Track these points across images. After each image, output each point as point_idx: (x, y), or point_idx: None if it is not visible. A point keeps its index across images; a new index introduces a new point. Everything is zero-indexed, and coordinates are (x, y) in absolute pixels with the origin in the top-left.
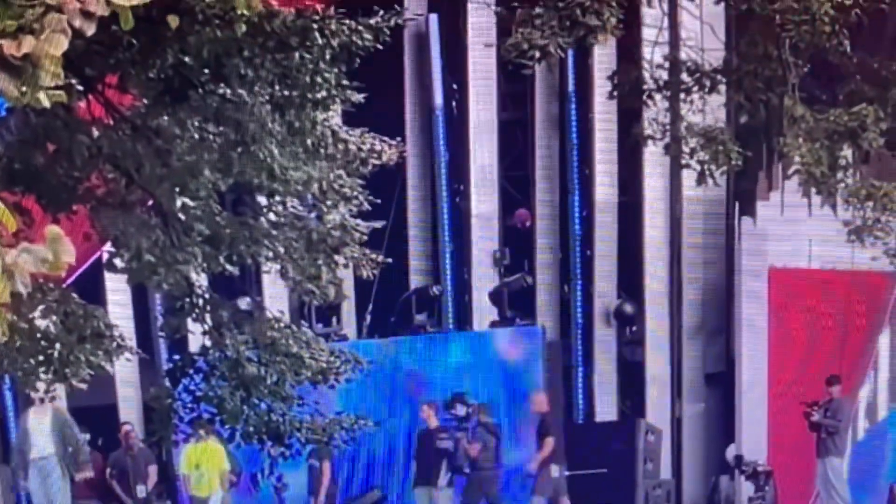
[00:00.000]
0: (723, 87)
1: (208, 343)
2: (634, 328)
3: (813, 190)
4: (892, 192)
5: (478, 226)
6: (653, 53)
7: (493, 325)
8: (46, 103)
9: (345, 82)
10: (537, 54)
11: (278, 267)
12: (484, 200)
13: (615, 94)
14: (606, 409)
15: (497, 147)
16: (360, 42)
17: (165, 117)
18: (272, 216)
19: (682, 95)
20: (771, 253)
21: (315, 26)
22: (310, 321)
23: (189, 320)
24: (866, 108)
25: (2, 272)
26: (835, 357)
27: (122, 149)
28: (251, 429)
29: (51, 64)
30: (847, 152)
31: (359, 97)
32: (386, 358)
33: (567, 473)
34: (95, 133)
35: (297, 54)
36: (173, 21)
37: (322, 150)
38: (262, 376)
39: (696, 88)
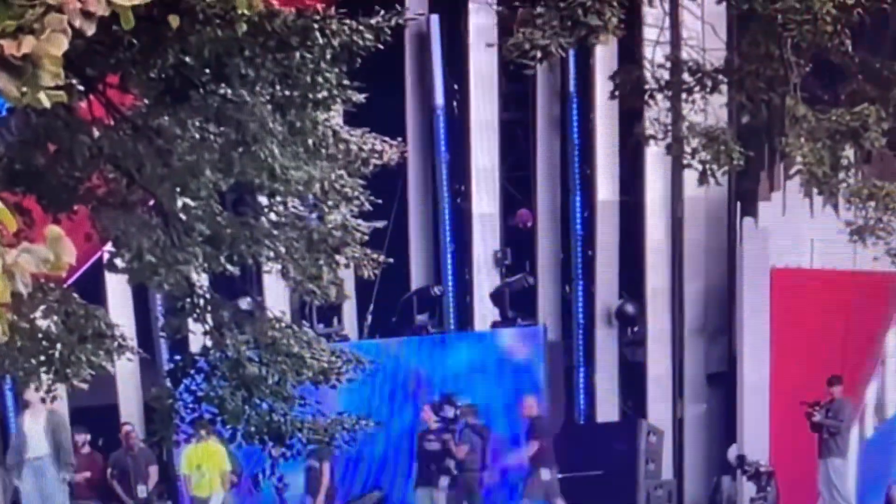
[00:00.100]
0: (724, 87)
1: (209, 343)
2: (636, 328)
3: (815, 190)
4: (894, 192)
5: (479, 226)
6: (654, 53)
7: (495, 325)
8: (47, 103)
9: (346, 82)
10: (539, 54)
11: (279, 267)
12: (485, 201)
13: (616, 94)
14: (608, 409)
15: (498, 147)
16: (361, 42)
17: (166, 117)
18: (273, 216)
19: (684, 95)
20: (772, 253)
21: (316, 26)
22: (311, 321)
23: (190, 320)
24: (868, 108)
25: (2, 272)
26: (836, 357)
27: (123, 149)
28: (252, 429)
29: (51, 64)
30: (849, 152)
31: (360, 97)
32: (387, 358)
33: (567, 475)
34: (96, 133)
35: (297, 54)
36: (174, 21)
37: (323, 150)
38: (264, 376)
39: (697, 88)
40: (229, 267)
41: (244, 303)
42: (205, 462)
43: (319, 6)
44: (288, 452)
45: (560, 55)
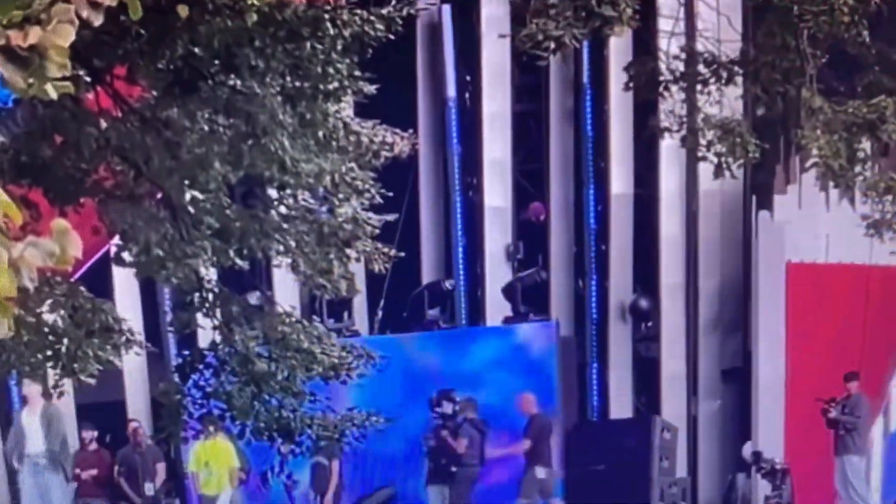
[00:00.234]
0: (740, 79)
1: (218, 338)
2: (650, 324)
3: (831, 183)
4: None
5: (491, 219)
6: (669, 44)
7: (507, 320)
8: (54, 95)
9: (357, 73)
10: (552, 45)
11: (289, 261)
12: (497, 194)
13: (631, 85)
14: (621, 405)
15: (511, 139)
16: (372, 32)
17: (175, 109)
18: (283, 209)
19: (699, 87)
20: (788, 247)
21: (327, 16)
22: (321, 316)
23: (199, 315)
24: (885, 100)
25: (8, 266)
26: (853, 353)
27: (131, 141)
28: (261, 425)
29: (58, 55)
30: (866, 145)
31: (371, 88)
32: (398, 353)
33: (580, 472)
34: (103, 125)
35: (308, 45)
36: (183, 11)
37: (334, 143)
38: (273, 372)
39: (712, 80)
40: (238, 261)
41: (253, 297)
42: (213, 459)
43: None
44: (297, 449)
45: (574, 46)
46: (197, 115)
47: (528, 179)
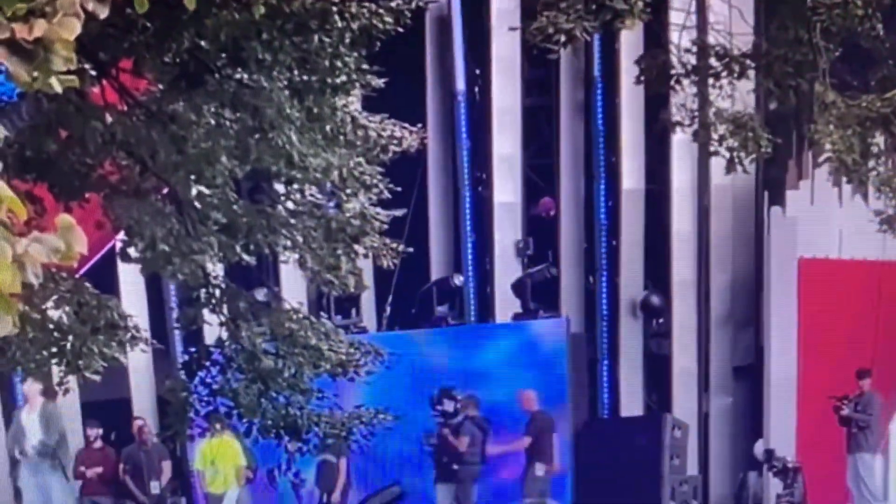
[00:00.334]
0: (752, 73)
1: (225, 335)
2: (661, 320)
3: (844, 178)
4: None
5: (500, 215)
6: (681, 38)
7: (517, 317)
8: (59, 88)
9: (365, 67)
10: (563, 38)
11: (296, 257)
12: (507, 189)
13: (642, 79)
14: (632, 403)
15: (521, 134)
16: (380, 25)
17: (181, 103)
18: (290, 204)
19: (711, 81)
20: (800, 243)
21: (335, 9)
22: (329, 312)
23: (205, 311)
24: None
25: (13, 262)
26: (866, 349)
27: (137, 135)
28: (268, 423)
29: (63, 48)
30: (879, 139)
31: (379, 82)
32: (407, 350)
33: (591, 469)
34: (109, 119)
35: (316, 38)
36: (189, 4)
37: (342, 137)
38: (280, 369)
39: (724, 73)
40: (245, 256)
41: (260, 293)
42: (219, 457)
43: None
44: (304, 447)
45: (584, 39)
46: (203, 109)
47: (538, 174)
